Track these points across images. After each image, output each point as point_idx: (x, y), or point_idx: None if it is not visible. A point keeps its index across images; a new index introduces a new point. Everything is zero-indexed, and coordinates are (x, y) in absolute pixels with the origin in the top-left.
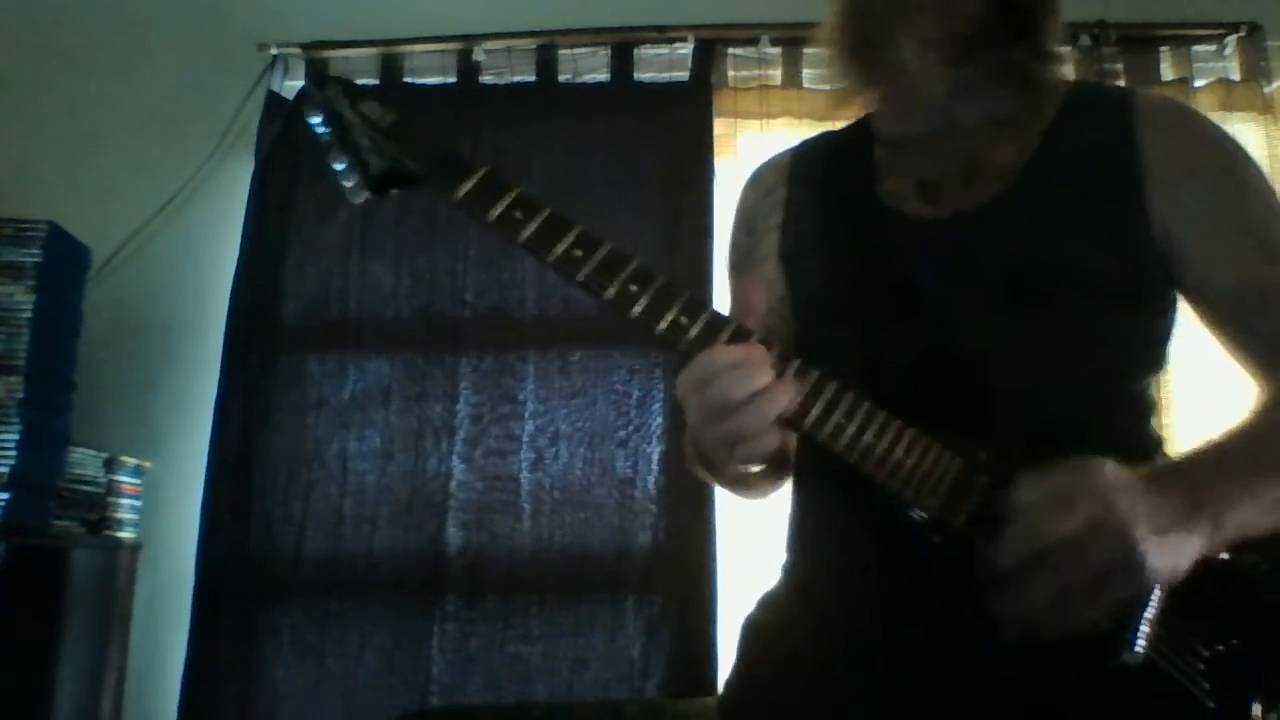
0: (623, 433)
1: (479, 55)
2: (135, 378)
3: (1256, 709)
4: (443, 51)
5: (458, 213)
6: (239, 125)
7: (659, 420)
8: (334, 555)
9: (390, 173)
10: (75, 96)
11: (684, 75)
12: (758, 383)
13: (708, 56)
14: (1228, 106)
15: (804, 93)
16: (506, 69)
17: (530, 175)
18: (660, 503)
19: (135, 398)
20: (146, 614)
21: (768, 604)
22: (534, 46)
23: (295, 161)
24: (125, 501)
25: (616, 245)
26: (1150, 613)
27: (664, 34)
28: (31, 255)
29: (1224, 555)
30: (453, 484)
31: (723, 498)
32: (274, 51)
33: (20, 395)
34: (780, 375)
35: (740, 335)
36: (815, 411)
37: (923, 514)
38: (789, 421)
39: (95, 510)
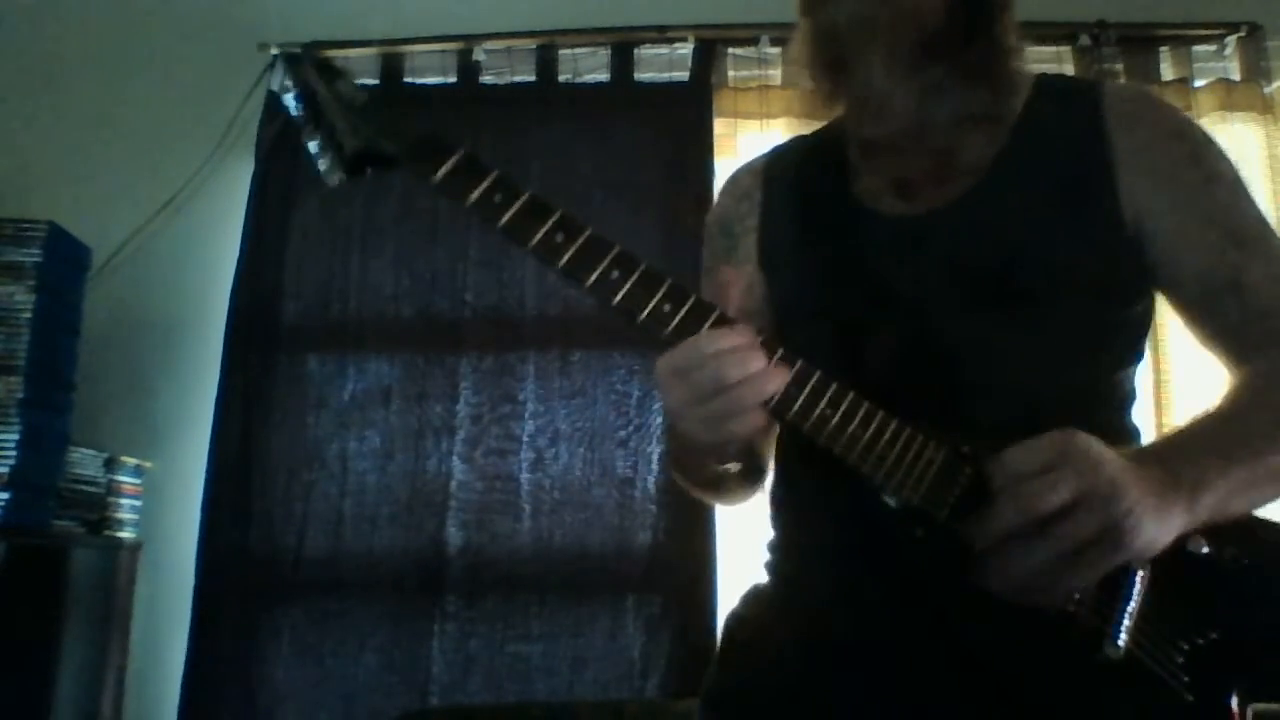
0: (623, 433)
1: (479, 55)
2: (135, 378)
3: (1234, 701)
4: (443, 51)
5: (436, 195)
6: (239, 125)
7: (659, 420)
8: (334, 555)
9: (365, 153)
10: (75, 96)
11: (684, 75)
12: (751, 364)
13: (708, 56)
14: (1228, 106)
15: (804, 93)
16: (506, 69)
17: (530, 175)
18: (660, 503)
19: (135, 398)
20: (146, 614)
21: (751, 600)
22: (534, 46)
23: (295, 161)
24: (125, 501)
25: (598, 231)
26: (1131, 606)
27: (664, 34)
28: (31, 255)
29: (1204, 549)
30: (453, 484)
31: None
32: (274, 51)
33: (20, 395)
34: (769, 360)
35: (723, 323)
36: (800, 401)
37: (906, 504)
38: (774, 411)
39: (95, 510)
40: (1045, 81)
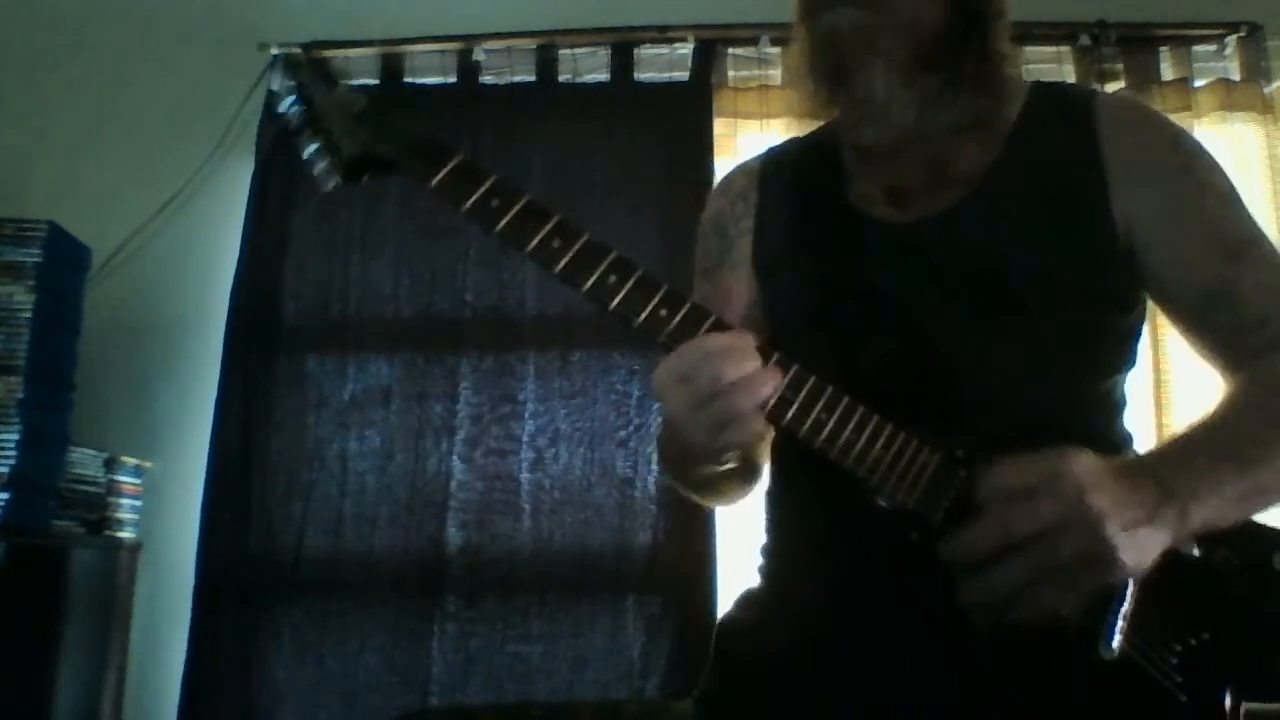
0: (623, 433)
1: (479, 55)
2: (135, 378)
3: (1228, 701)
4: (443, 51)
5: (433, 200)
6: (239, 125)
7: (659, 420)
8: (334, 555)
9: (363, 158)
10: (75, 97)
11: (684, 75)
12: (748, 366)
13: (708, 56)
14: (1228, 106)
15: (800, 97)
16: (506, 69)
17: (530, 175)
18: (660, 503)
19: (135, 398)
20: (146, 614)
21: (744, 603)
22: (534, 46)
23: (295, 161)
24: (125, 501)
25: (595, 236)
26: (1124, 609)
27: (664, 34)
28: (31, 255)
29: (1195, 551)
30: (453, 484)
31: None
32: (274, 51)
33: (20, 395)
34: (764, 365)
35: (719, 327)
36: (796, 405)
37: (901, 508)
38: (771, 416)
39: (95, 510)
40: (1040, 89)
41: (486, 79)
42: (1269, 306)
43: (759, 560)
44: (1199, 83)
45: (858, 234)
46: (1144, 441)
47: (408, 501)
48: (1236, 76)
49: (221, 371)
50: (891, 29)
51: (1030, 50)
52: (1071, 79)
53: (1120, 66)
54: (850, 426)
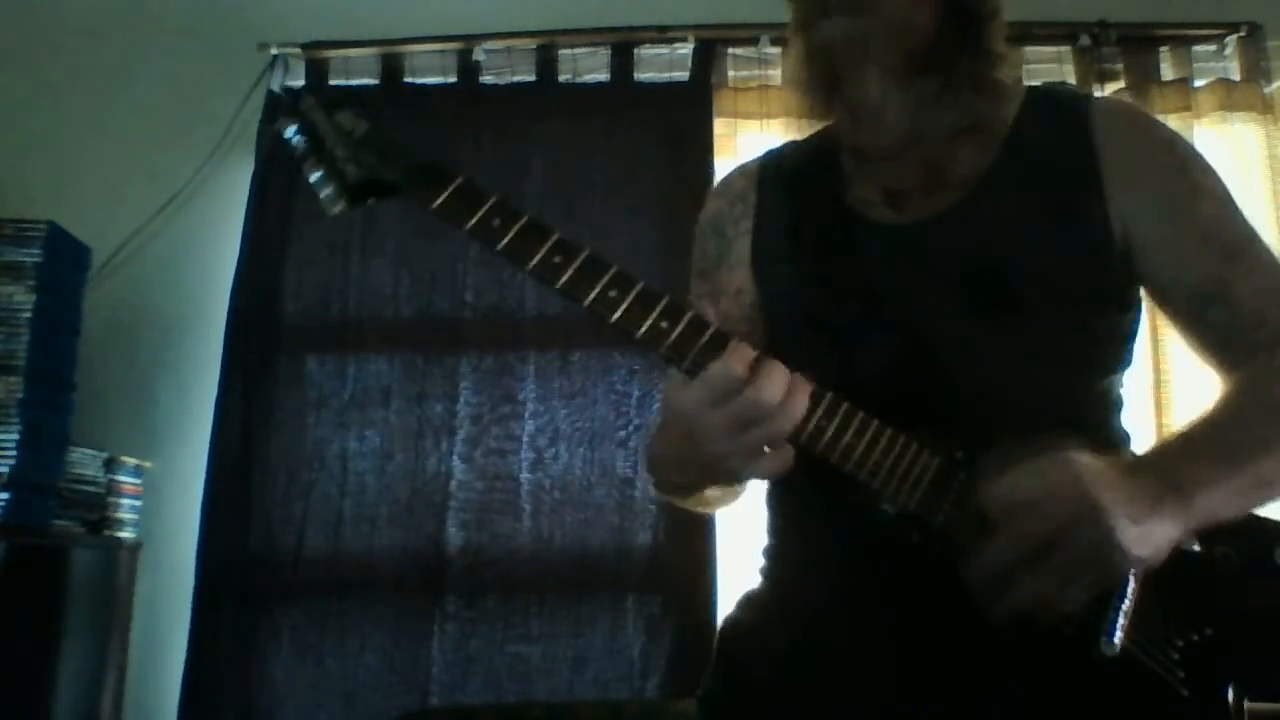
0: (623, 433)
1: (479, 55)
2: (135, 378)
3: (1230, 696)
4: (443, 51)
5: (437, 221)
6: (239, 125)
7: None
8: (334, 555)
9: (367, 182)
10: (75, 96)
11: (684, 75)
12: (782, 387)
13: (708, 56)
14: (1228, 106)
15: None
16: (506, 69)
17: (530, 175)
18: (660, 503)
19: (135, 398)
20: (146, 614)
21: (746, 605)
22: (534, 46)
23: (295, 161)
24: (125, 501)
25: (595, 251)
26: (1126, 605)
27: (664, 34)
28: (31, 255)
29: (1195, 547)
30: (453, 484)
31: None
32: (274, 51)
33: (20, 395)
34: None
35: (720, 338)
36: None
37: (902, 511)
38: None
39: (95, 510)
40: (1035, 93)
41: (486, 79)
42: (1264, 306)
43: (760, 562)
44: (1199, 83)
45: (856, 236)
46: (1143, 441)
47: (408, 501)
48: (1236, 76)
49: (221, 371)
50: (884, 36)
51: (1030, 50)
52: (1071, 79)
53: (1120, 66)
54: (850, 431)
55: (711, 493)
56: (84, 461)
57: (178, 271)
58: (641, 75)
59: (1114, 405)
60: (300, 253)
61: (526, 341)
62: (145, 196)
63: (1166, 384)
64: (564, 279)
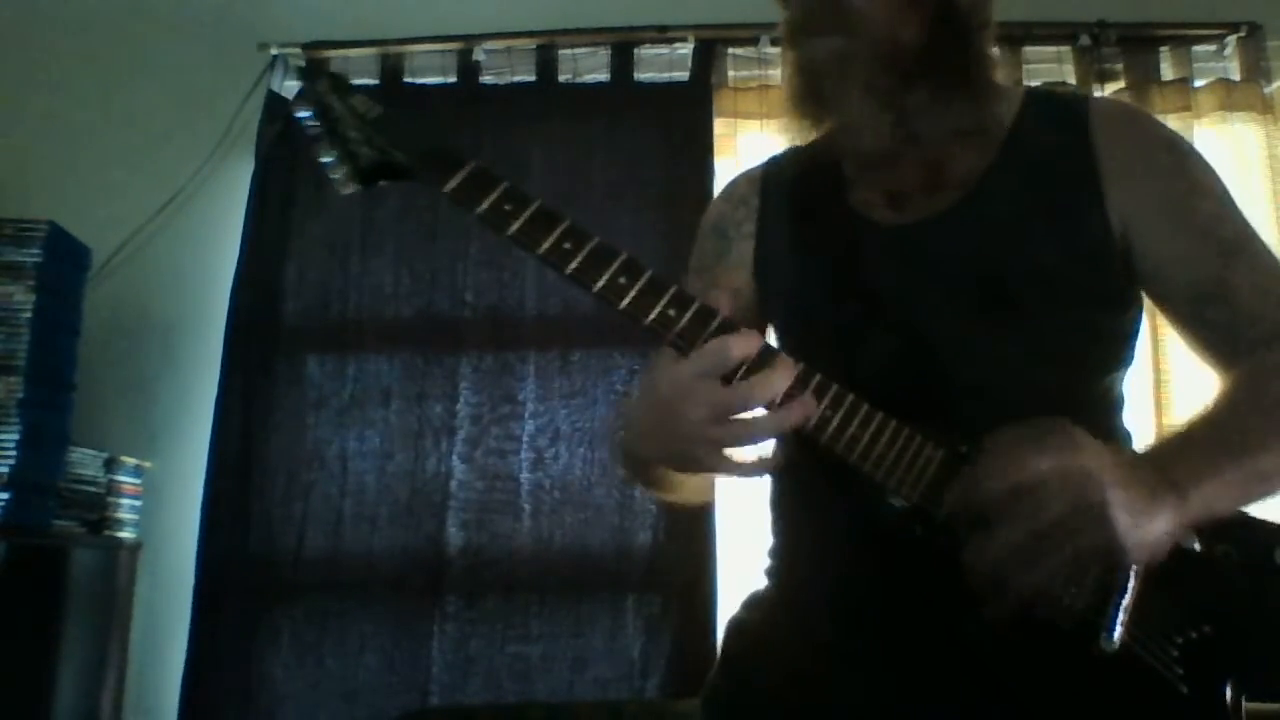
0: None
1: (479, 55)
2: (135, 378)
3: (1228, 694)
4: (443, 51)
5: (448, 205)
6: (239, 125)
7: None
8: (334, 555)
9: (379, 164)
10: (76, 96)
11: (684, 75)
12: (777, 390)
13: (708, 56)
14: (1228, 106)
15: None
16: (506, 69)
17: (530, 175)
18: (660, 503)
19: (135, 398)
20: (146, 614)
21: (751, 605)
22: (534, 46)
23: (295, 161)
24: (125, 501)
25: (605, 239)
26: (1125, 601)
27: (664, 34)
28: (31, 255)
29: (1196, 545)
30: (453, 484)
31: (722, 498)
32: (274, 51)
33: (20, 395)
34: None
35: (727, 327)
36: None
37: (905, 503)
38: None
39: (95, 510)
40: (1033, 95)
41: (486, 79)
42: (1262, 304)
43: (765, 562)
44: (1199, 83)
45: (857, 237)
46: (1143, 440)
47: (408, 501)
48: (1236, 76)
49: (221, 372)
50: (870, 53)
51: (1030, 50)
52: (1071, 79)
53: (1120, 66)
54: (855, 422)
55: (673, 477)
56: (84, 461)
57: (178, 271)
58: (641, 75)
59: (1115, 404)
60: (300, 253)
61: (526, 341)
62: (145, 196)
63: (1166, 384)
64: (574, 265)
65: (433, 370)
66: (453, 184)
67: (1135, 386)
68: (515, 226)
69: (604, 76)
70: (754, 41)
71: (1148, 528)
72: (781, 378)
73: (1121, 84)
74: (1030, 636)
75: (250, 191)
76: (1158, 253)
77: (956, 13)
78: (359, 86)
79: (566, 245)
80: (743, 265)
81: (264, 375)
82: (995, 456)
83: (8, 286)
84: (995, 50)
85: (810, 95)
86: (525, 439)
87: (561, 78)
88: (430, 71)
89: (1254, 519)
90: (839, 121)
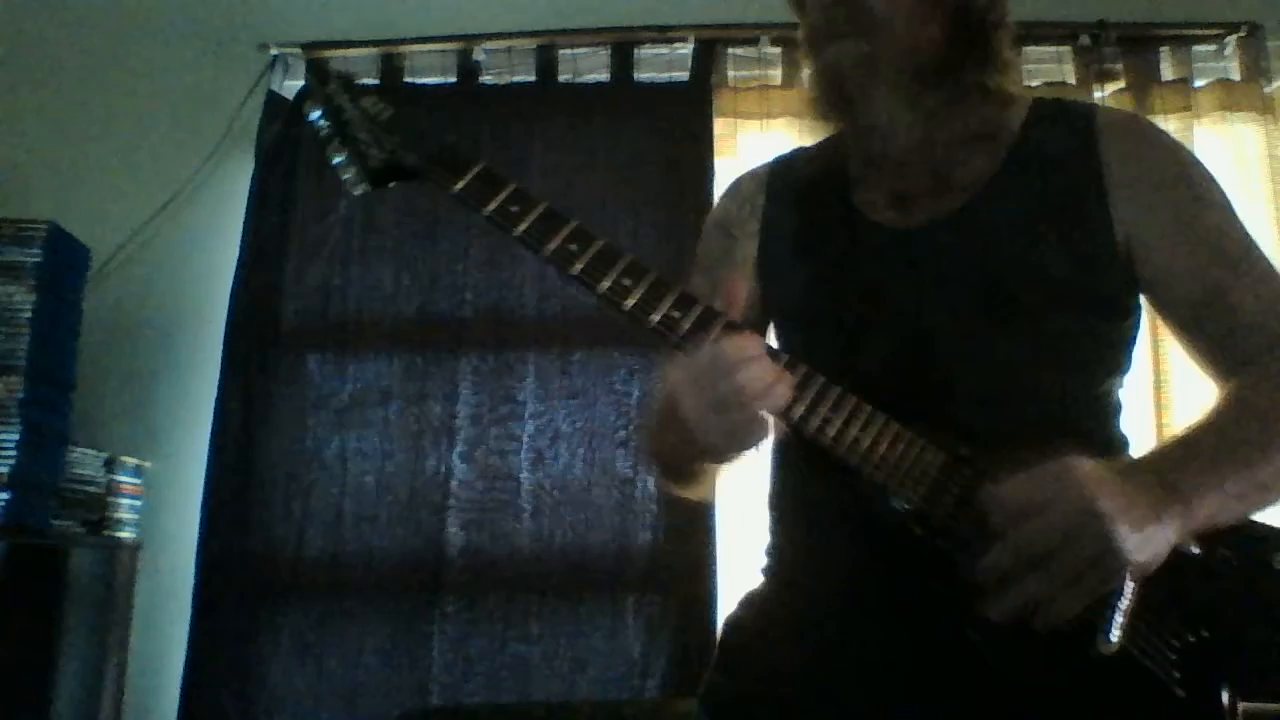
0: (623, 433)
1: (479, 55)
2: (135, 378)
3: (1225, 697)
4: (443, 51)
5: (456, 205)
6: (239, 125)
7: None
8: (334, 555)
9: (389, 165)
10: (75, 96)
11: (684, 75)
12: (765, 372)
13: (708, 56)
14: (1228, 106)
15: (804, 93)
16: (506, 69)
17: (530, 175)
18: (660, 503)
19: (135, 398)
20: (146, 614)
21: (749, 604)
22: (534, 46)
23: (295, 161)
24: (125, 501)
25: (610, 240)
26: (1124, 604)
27: (664, 34)
28: (31, 255)
29: (1195, 550)
30: (453, 484)
31: (722, 498)
32: (274, 51)
33: (20, 395)
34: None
35: (731, 328)
36: (804, 404)
37: (906, 505)
38: (781, 415)
39: (95, 510)
40: (1041, 103)
41: (486, 79)
42: (1262, 314)
43: (762, 560)
44: (1199, 83)
45: (862, 238)
46: (1143, 444)
47: (408, 501)
48: (1236, 76)
49: (221, 371)
50: (892, 56)
51: (1030, 50)
52: (1071, 79)
53: (1120, 66)
54: (857, 425)
55: (708, 467)
56: (84, 461)
57: (178, 271)
58: (641, 75)
59: (1113, 409)
60: (300, 253)
61: (526, 341)
62: (145, 196)
63: (1166, 386)
64: (579, 265)
65: (433, 370)
66: (461, 185)
67: (1136, 389)
68: (522, 227)
69: (604, 76)
70: (754, 41)
71: (1151, 539)
72: (757, 363)
73: (1121, 84)
74: (1028, 637)
75: (250, 191)
76: (1160, 262)
77: (974, 19)
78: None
79: (572, 247)
80: (747, 264)
81: (264, 375)
82: (998, 477)
83: (8, 286)
84: (1011, 55)
85: (833, 98)
86: (525, 439)
87: (561, 78)
88: (430, 71)
89: (1252, 523)
90: (863, 124)
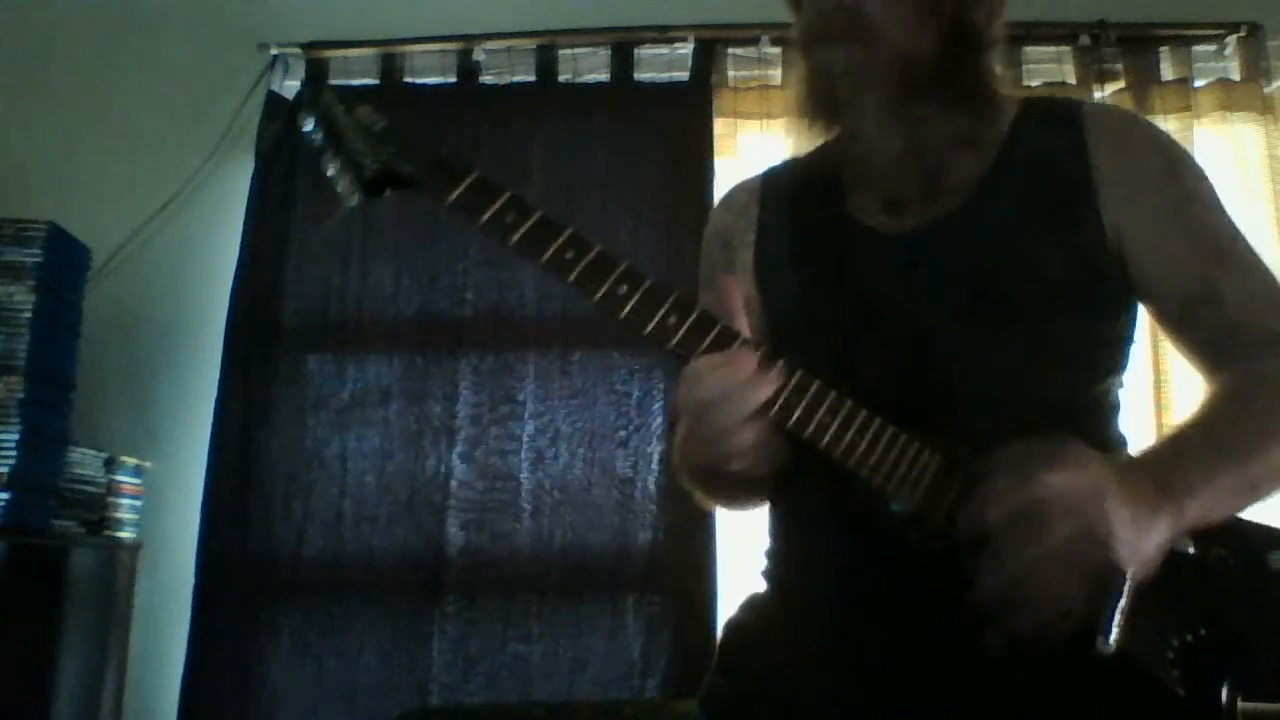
0: (623, 433)
1: (479, 55)
2: (135, 378)
3: (1225, 696)
4: (443, 51)
5: (451, 216)
6: (239, 125)
7: (659, 420)
8: (334, 555)
9: (384, 175)
10: (75, 96)
11: (684, 75)
12: (740, 374)
13: (708, 56)
14: (1228, 106)
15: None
16: (506, 69)
17: (530, 175)
18: (660, 503)
19: (135, 398)
20: (146, 614)
21: (749, 607)
22: (534, 46)
23: (295, 161)
24: (125, 501)
25: (606, 248)
26: (1122, 604)
27: (664, 34)
28: (31, 255)
29: (1190, 549)
30: (453, 484)
31: None
32: (274, 51)
33: (20, 395)
34: (766, 372)
35: (727, 334)
36: (800, 409)
37: (903, 509)
38: (775, 420)
39: (95, 510)
40: (1030, 103)
41: (486, 79)
42: (1251, 310)
43: (763, 564)
44: (1199, 83)
45: (855, 243)
46: (1143, 444)
47: (408, 501)
48: (1236, 76)
49: (221, 371)
50: (886, 65)
51: (1030, 50)
52: (1071, 79)
53: (1120, 66)
54: (853, 429)
55: (727, 480)
56: (84, 461)
57: (178, 271)
58: (641, 75)
59: (1111, 409)
60: (300, 252)
61: (526, 341)
62: (145, 196)
63: (1166, 385)
64: (575, 274)
65: (433, 370)
66: (454, 195)
67: (1135, 388)
68: (517, 236)
69: (604, 76)
70: (754, 41)
71: (1147, 540)
72: (733, 368)
73: (1121, 84)
74: (1027, 639)
75: (250, 191)
76: (1150, 255)
77: (969, 30)
78: (362, 88)
79: (568, 255)
80: (747, 275)
81: (264, 375)
82: (996, 475)
83: (8, 286)
84: (1000, 66)
85: (822, 102)
86: (525, 439)
87: (561, 78)
88: (430, 71)
89: (1247, 522)
90: (850, 129)
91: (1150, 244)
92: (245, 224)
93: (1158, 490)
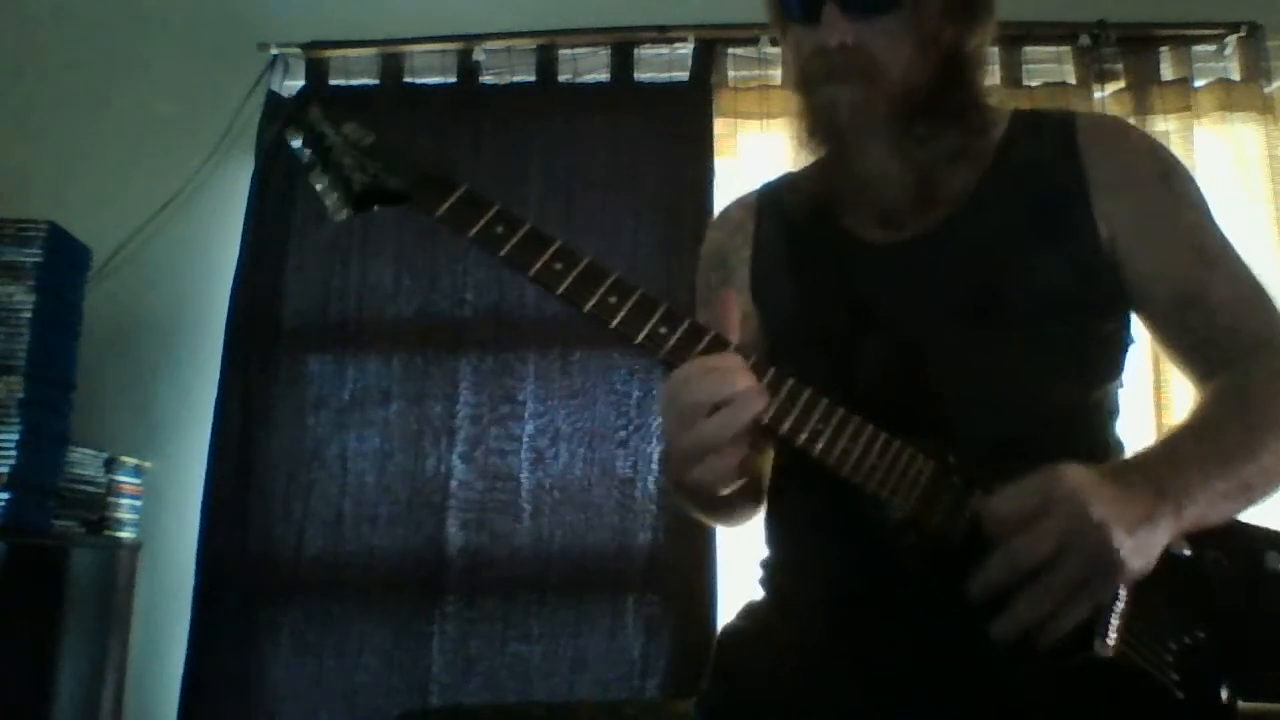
0: (623, 433)
1: (479, 55)
2: (135, 378)
3: (1223, 697)
4: (443, 51)
5: (439, 228)
6: (239, 125)
7: (659, 420)
8: (334, 555)
9: (372, 190)
10: (75, 96)
11: (684, 75)
12: (733, 387)
13: (708, 56)
14: (1228, 106)
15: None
16: (506, 69)
17: (530, 175)
18: (660, 503)
19: (135, 398)
20: (146, 614)
21: (747, 614)
22: (534, 46)
23: (295, 162)
24: (125, 501)
25: (595, 259)
26: (1120, 606)
27: (664, 34)
28: (31, 255)
29: (1187, 552)
30: (453, 484)
31: None
32: (274, 51)
33: (20, 395)
34: (757, 381)
35: (718, 343)
36: (792, 417)
37: (898, 514)
38: (769, 428)
39: (95, 510)
40: (1020, 114)
41: (486, 79)
42: (1239, 315)
43: (760, 573)
44: (1199, 83)
45: (851, 256)
46: (1142, 446)
47: (407, 501)
48: (1236, 76)
49: (221, 371)
50: (886, 99)
51: (1030, 50)
52: (1071, 79)
53: (1120, 66)
54: (846, 435)
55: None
56: (84, 461)
57: (178, 271)
58: (641, 75)
59: (1109, 414)
60: (300, 253)
61: (526, 341)
62: (145, 196)
63: (1167, 387)
64: (564, 286)
65: (433, 370)
66: (443, 209)
67: (1136, 390)
68: (506, 249)
69: (604, 76)
70: (754, 41)
71: (1144, 544)
72: (727, 377)
73: (1121, 84)
74: (1024, 643)
75: (250, 191)
76: (1142, 262)
77: (963, 58)
78: (362, 88)
79: (557, 266)
80: (744, 290)
81: (264, 375)
82: (991, 489)
83: (8, 286)
84: (989, 82)
85: (825, 134)
86: (525, 439)
87: (561, 78)
88: (430, 71)
89: (1242, 524)
90: (852, 156)
91: (1141, 246)
92: (245, 224)
93: (1154, 497)
